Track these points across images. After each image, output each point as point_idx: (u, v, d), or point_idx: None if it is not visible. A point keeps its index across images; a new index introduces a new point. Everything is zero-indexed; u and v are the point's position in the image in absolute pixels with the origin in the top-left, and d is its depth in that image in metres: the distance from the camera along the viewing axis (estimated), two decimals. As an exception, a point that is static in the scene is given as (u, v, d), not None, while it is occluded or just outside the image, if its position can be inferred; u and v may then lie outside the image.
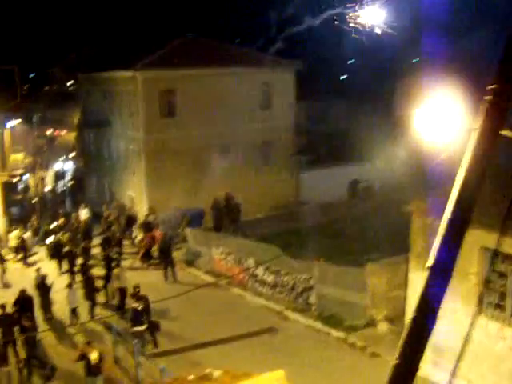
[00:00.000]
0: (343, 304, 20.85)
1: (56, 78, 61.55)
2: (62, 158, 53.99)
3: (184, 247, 30.33)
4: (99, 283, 24.54)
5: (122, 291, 23.23)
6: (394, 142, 30.85)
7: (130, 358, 18.54)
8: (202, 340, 20.27)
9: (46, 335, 21.59)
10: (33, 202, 43.55)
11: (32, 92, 59.69)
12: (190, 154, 34.05)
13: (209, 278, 26.98)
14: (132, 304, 19.97)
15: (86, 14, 57.25)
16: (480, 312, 14.85)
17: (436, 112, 6.00)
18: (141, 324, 19.45)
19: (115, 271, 24.26)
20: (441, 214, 5.12)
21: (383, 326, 19.67)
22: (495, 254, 13.99)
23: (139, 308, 19.54)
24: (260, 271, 24.58)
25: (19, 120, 57.83)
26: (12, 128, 55.65)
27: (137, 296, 20.35)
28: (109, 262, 25.74)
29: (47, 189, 51.17)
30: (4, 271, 27.98)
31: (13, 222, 34.36)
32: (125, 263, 28.75)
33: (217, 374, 9.24)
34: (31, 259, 31.24)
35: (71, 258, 28.25)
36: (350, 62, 55.42)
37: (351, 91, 44.65)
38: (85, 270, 25.06)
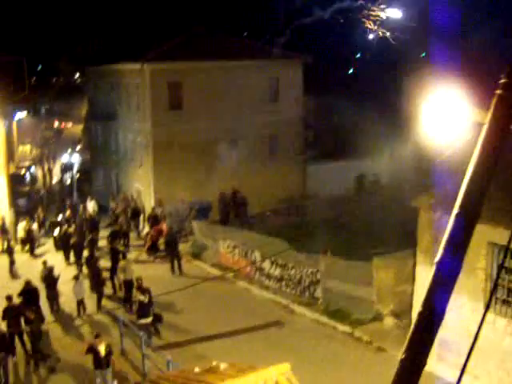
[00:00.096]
0: (349, 298, 20.85)
1: (63, 70, 61.55)
2: (69, 151, 54.10)
3: (190, 240, 30.38)
4: (106, 275, 24.62)
5: (128, 284, 23.28)
6: (400, 136, 30.76)
7: (137, 350, 18.62)
8: (207, 333, 20.31)
9: (52, 327, 21.69)
10: (40, 193, 43.70)
11: (39, 84, 59.76)
12: (197, 147, 34.02)
13: (215, 271, 27.01)
14: (138, 296, 20.00)
15: (93, 6, 57.15)
16: (485, 307, 14.83)
17: (443, 107, 5.97)
18: (147, 316, 19.51)
19: (121, 263, 24.33)
20: (448, 208, 5.09)
21: (389, 321, 19.66)
22: (506, 250, 13.93)
23: (145, 301, 19.59)
24: (266, 264, 24.59)
25: (27, 112, 58.00)
26: (19, 120, 55.87)
27: (141, 288, 20.41)
28: (115, 255, 25.80)
29: (54, 181, 51.31)
30: (12, 262, 28.10)
31: (20, 214, 34.45)
32: (131, 255, 28.85)
33: (223, 366, 9.23)
34: (38, 251, 31.36)
35: (78, 249, 28.36)
36: (357, 56, 55.29)
37: (358, 85, 44.52)
38: (92, 262, 25.13)
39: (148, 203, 34.65)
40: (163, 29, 42.40)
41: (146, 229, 32.60)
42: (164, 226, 29.65)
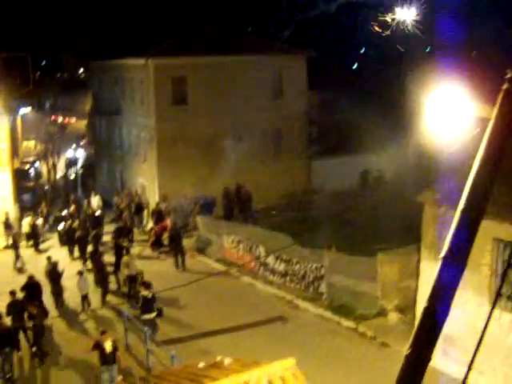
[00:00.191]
0: (354, 293, 20.84)
1: (67, 65, 61.59)
2: (74, 146, 54.15)
3: (195, 235, 30.40)
4: (110, 270, 24.67)
5: (132, 279, 23.31)
6: (405, 132, 30.69)
7: (141, 345, 18.65)
8: (211, 328, 20.33)
9: (57, 322, 21.75)
10: (44, 189, 43.77)
11: (43, 79, 59.78)
12: (201, 142, 33.99)
13: (219, 266, 27.02)
14: (142, 291, 20.00)
15: (97, 1, 57.16)
16: (492, 304, 14.81)
17: (448, 102, 5.93)
18: (151, 312, 19.52)
19: (124, 259, 24.34)
20: (453, 203, 5.07)
21: (394, 316, 19.64)
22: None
23: (149, 296, 19.61)
24: (271, 260, 24.58)
25: (31, 107, 58.03)
26: (24, 115, 55.92)
27: (144, 283, 20.44)
28: (119, 250, 25.83)
29: (59, 176, 51.38)
30: (17, 257, 28.15)
31: (24, 209, 34.52)
32: (135, 251, 28.89)
33: (227, 361, 9.24)
34: (42, 246, 31.43)
35: (82, 244, 28.42)
36: (361, 51, 55.15)
37: (362, 81, 44.40)
38: (96, 257, 25.17)
39: (152, 198, 34.66)
40: (167, 24, 42.33)
41: (149, 224, 32.62)
42: (168, 222, 29.66)
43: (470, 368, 4.70)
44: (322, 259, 21.86)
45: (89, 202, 35.69)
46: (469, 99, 5.80)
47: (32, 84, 35.83)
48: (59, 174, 51.90)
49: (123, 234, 29.55)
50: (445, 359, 14.96)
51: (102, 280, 23.80)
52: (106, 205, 36.77)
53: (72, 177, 49.02)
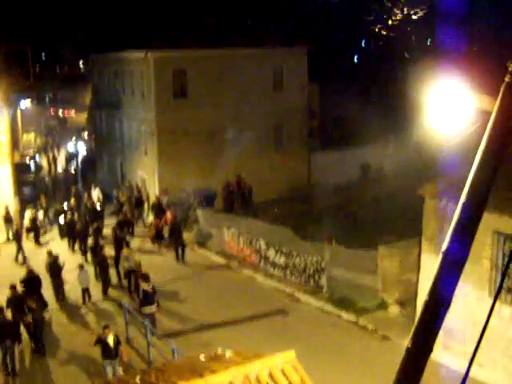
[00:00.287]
0: (354, 286, 20.87)
1: (67, 58, 61.54)
2: (74, 139, 54.18)
3: (195, 228, 30.40)
4: (110, 263, 24.68)
5: (132, 272, 23.33)
6: (406, 125, 30.69)
7: (142, 338, 18.69)
8: (212, 321, 20.36)
9: (57, 315, 21.79)
10: (45, 182, 43.77)
11: (43, 73, 59.76)
12: (201, 136, 33.96)
13: (220, 259, 27.05)
14: (142, 285, 19.99)
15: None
16: (493, 296, 14.83)
17: (449, 94, 5.90)
18: (151, 305, 19.55)
19: (124, 252, 24.33)
20: (454, 197, 5.07)
21: (394, 309, 19.68)
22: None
23: (149, 289, 19.62)
24: (271, 253, 24.60)
25: (31, 100, 58.01)
26: (24, 108, 55.89)
27: (143, 275, 20.47)
28: (119, 243, 25.82)
29: (59, 169, 51.40)
30: (19, 250, 28.14)
31: (25, 203, 34.51)
32: (135, 244, 28.90)
33: (228, 354, 9.25)
34: (43, 239, 31.43)
35: (82, 237, 28.43)
36: (362, 44, 55.06)
37: (363, 74, 44.37)
38: (96, 250, 25.18)
39: (152, 191, 34.66)
40: (167, 16, 42.24)
41: (150, 217, 32.63)
42: (169, 215, 29.67)
43: (471, 362, 4.70)
44: (323, 252, 21.87)
45: (89, 195, 35.69)
46: (470, 92, 5.79)
47: (32, 77, 35.77)
48: (59, 167, 51.92)
49: (125, 226, 29.60)
50: (445, 352, 15.01)
51: (102, 273, 23.83)
52: (107, 198, 36.78)
53: (72, 170, 49.02)
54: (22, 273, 22.49)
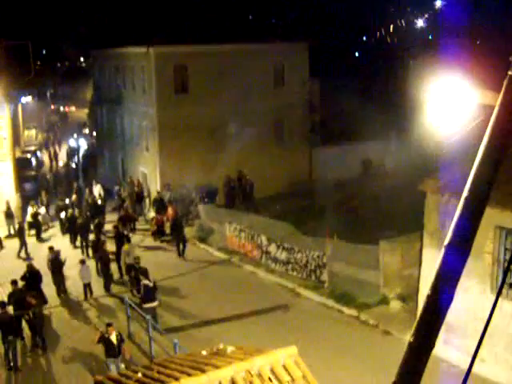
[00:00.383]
0: (356, 281, 20.86)
1: (67, 54, 61.48)
2: (75, 135, 54.18)
3: (197, 224, 30.42)
4: (112, 258, 24.70)
5: (132, 267, 23.33)
6: (407, 119, 30.62)
7: (144, 333, 18.70)
8: (214, 316, 20.37)
9: (59, 310, 21.81)
10: (46, 178, 43.79)
11: (44, 68, 59.72)
12: (203, 131, 33.93)
13: (221, 255, 27.05)
14: (143, 280, 19.99)
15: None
16: (494, 291, 14.83)
17: (451, 89, 5.89)
18: (152, 300, 19.56)
19: (125, 247, 24.33)
20: (456, 191, 5.05)
21: (396, 304, 19.67)
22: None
23: (150, 285, 19.63)
24: (273, 248, 24.60)
25: (32, 96, 57.96)
26: (25, 104, 55.86)
27: (141, 269, 20.47)
28: (120, 238, 25.84)
29: (61, 165, 51.43)
30: (22, 245, 28.15)
31: (26, 198, 34.54)
32: (136, 239, 28.91)
33: (230, 349, 9.26)
34: (45, 235, 31.45)
35: (84, 233, 28.44)
36: (363, 39, 54.99)
37: (365, 69, 44.31)
38: (98, 245, 25.19)
39: (154, 187, 34.66)
40: (168, 12, 42.18)
41: (151, 213, 32.64)
42: (170, 211, 29.68)
43: (474, 357, 4.69)
44: (324, 247, 21.87)
45: (90, 191, 35.71)
46: (472, 86, 5.77)
47: (33, 73, 35.73)
48: (61, 162, 51.94)
49: (127, 221, 29.62)
50: (446, 347, 15.01)
51: (104, 268, 23.83)
52: (108, 193, 36.80)
53: (73, 165, 49.04)
54: (24, 268, 22.51)
